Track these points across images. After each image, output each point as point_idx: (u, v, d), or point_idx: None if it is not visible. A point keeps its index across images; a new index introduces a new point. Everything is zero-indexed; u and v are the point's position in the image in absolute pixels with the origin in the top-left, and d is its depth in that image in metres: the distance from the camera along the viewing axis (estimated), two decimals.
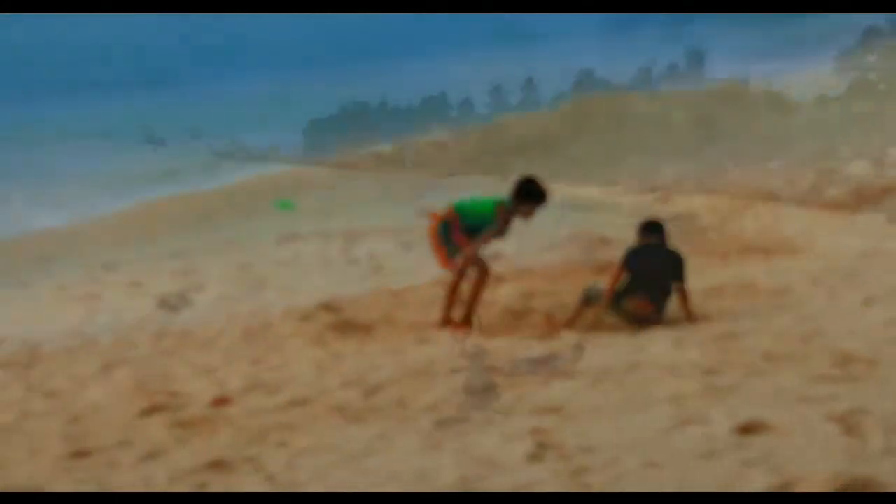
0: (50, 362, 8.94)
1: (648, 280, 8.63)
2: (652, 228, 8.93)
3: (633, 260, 8.70)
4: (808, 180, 13.34)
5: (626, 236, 9.66)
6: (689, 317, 8.70)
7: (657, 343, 8.14)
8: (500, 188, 15.56)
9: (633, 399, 7.08)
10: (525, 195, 9.72)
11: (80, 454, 7.01)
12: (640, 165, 16.77)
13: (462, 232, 9.78)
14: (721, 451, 6.12)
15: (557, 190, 14.10)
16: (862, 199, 12.06)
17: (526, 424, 6.73)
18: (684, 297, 8.63)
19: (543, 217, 12.07)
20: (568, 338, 8.53)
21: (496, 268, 10.55)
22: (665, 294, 8.71)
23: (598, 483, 5.88)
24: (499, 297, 9.72)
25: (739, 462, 5.94)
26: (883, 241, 10.35)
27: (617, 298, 8.79)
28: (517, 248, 11.31)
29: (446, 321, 9.75)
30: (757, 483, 5.70)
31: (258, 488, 6.31)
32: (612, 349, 8.09)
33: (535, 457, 6.24)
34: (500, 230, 9.72)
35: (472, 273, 9.81)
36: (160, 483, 6.49)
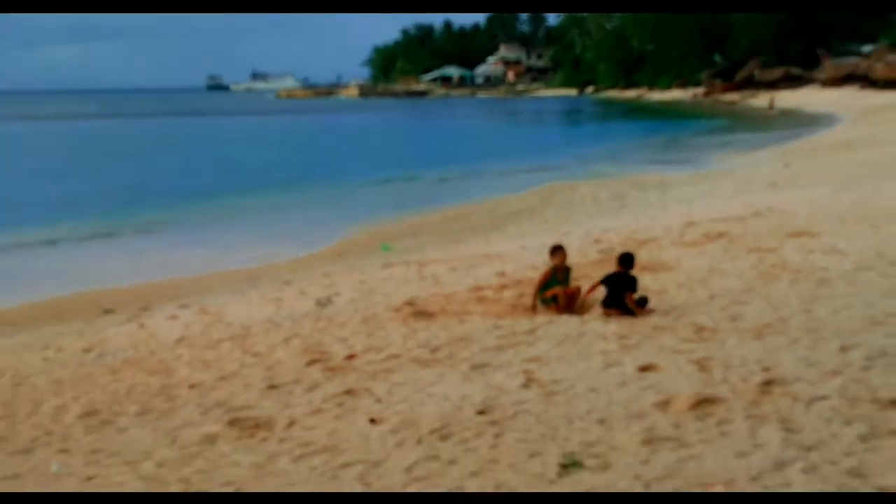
0: (255, 336, 8.98)
1: (618, 293, 8.36)
2: (627, 258, 8.54)
3: (610, 280, 8.42)
4: (677, 229, 13.32)
5: (572, 261, 9.53)
6: (636, 311, 8.29)
7: (593, 321, 8.14)
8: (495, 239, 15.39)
9: (581, 353, 7.10)
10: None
11: (273, 387, 7.08)
12: (584, 222, 16.69)
13: None
14: (629, 382, 6.18)
15: (537, 237, 14.36)
16: (707, 238, 12.03)
17: (520, 368, 6.78)
18: (632, 300, 8.31)
19: (531, 251, 12.22)
20: (543, 317, 8.52)
21: (501, 280, 10.58)
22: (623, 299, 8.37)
23: (561, 399, 6.00)
24: (504, 296, 9.66)
25: (640, 388, 6.04)
26: (720, 263, 10.30)
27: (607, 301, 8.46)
28: (514, 268, 11.29)
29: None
30: (649, 399, 5.78)
31: (372, 407, 6.34)
32: (569, 324, 8.10)
33: (525, 385, 6.31)
34: None
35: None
36: (317, 402, 6.58)
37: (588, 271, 9.59)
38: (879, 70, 64.04)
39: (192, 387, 7.40)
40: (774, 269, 9.67)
